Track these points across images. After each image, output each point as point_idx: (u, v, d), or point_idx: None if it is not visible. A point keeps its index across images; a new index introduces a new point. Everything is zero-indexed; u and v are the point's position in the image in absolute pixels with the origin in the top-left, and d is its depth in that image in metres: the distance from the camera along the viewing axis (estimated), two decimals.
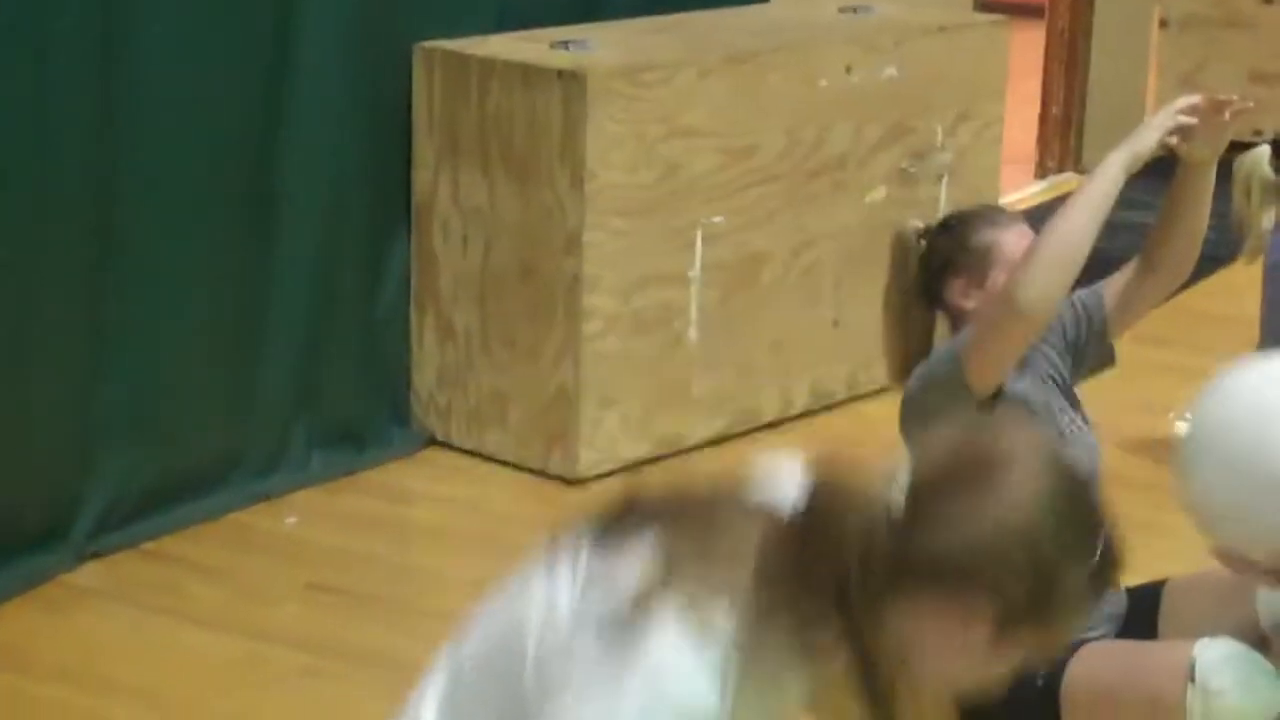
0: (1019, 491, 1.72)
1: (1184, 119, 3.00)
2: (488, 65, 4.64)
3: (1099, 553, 1.74)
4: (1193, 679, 3.20)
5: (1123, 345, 3.29)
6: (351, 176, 4.65)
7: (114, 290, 4.16)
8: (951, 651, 1.72)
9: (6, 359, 3.94)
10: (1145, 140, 2.99)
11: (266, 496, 4.51)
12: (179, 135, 4.21)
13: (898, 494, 1.71)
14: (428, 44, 4.73)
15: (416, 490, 4.67)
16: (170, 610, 3.99)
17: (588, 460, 4.67)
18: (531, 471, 4.72)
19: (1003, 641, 1.72)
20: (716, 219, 4.77)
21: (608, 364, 4.67)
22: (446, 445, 4.87)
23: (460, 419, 4.85)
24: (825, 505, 1.74)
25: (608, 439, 4.70)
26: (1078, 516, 1.75)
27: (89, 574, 4.13)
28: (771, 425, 5.07)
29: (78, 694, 3.64)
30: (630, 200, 4.62)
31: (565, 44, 4.73)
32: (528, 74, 4.57)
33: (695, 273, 4.78)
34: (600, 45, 4.75)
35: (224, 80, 4.30)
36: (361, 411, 4.78)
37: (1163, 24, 7.95)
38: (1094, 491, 1.80)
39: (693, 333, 4.83)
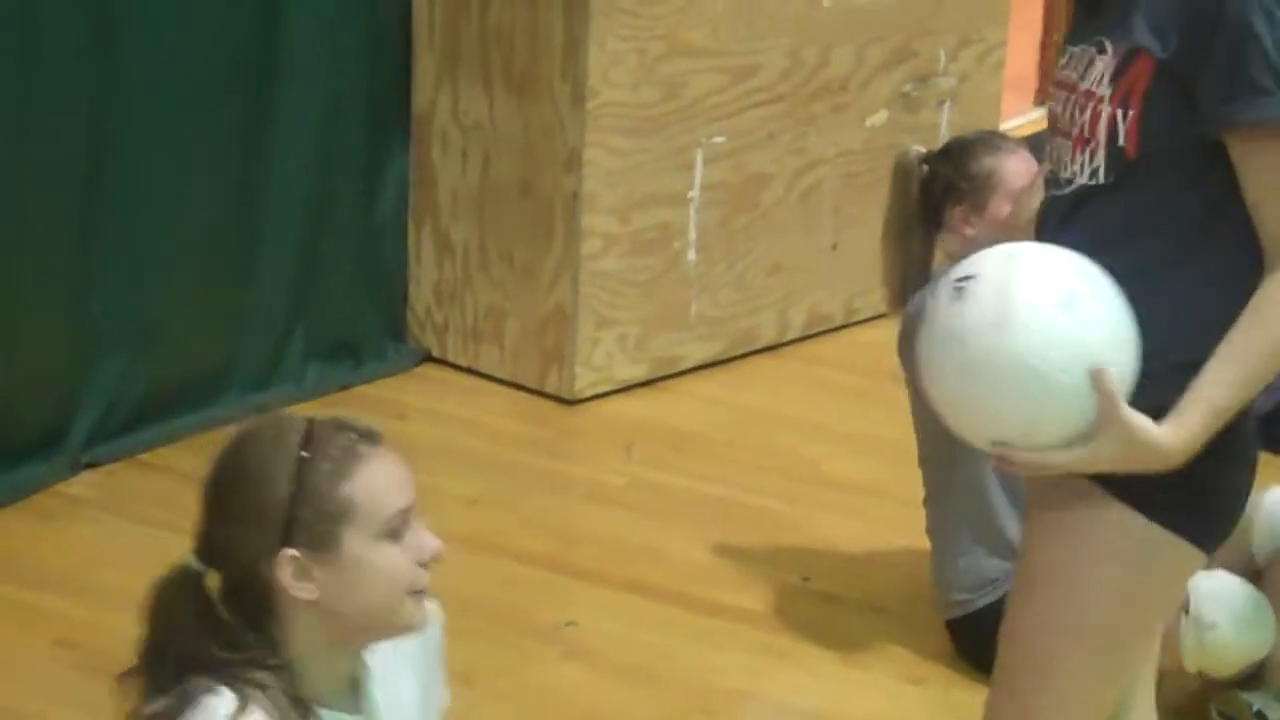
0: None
1: None
2: None
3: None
4: (1186, 612, 3.21)
5: None
6: (349, 89, 4.62)
7: (108, 203, 4.14)
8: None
9: (0, 273, 3.92)
10: None
11: (262, 409, 4.49)
12: (173, 46, 4.18)
13: None
14: None
15: (412, 406, 4.67)
16: (165, 522, 3.98)
17: (584, 380, 4.67)
18: (527, 390, 4.72)
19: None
20: (717, 139, 4.74)
21: (606, 284, 4.66)
22: (442, 362, 4.87)
23: (457, 336, 4.84)
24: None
25: (604, 359, 4.70)
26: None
27: (84, 484, 4.13)
28: (768, 349, 5.07)
29: (72, 603, 3.65)
30: (631, 119, 4.59)
31: None
32: None
33: (695, 194, 4.76)
34: None
35: None
36: (357, 326, 4.78)
37: None
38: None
39: (691, 254, 4.81)
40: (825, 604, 3.78)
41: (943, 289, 2.18)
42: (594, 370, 4.68)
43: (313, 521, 1.96)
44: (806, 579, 3.86)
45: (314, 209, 4.60)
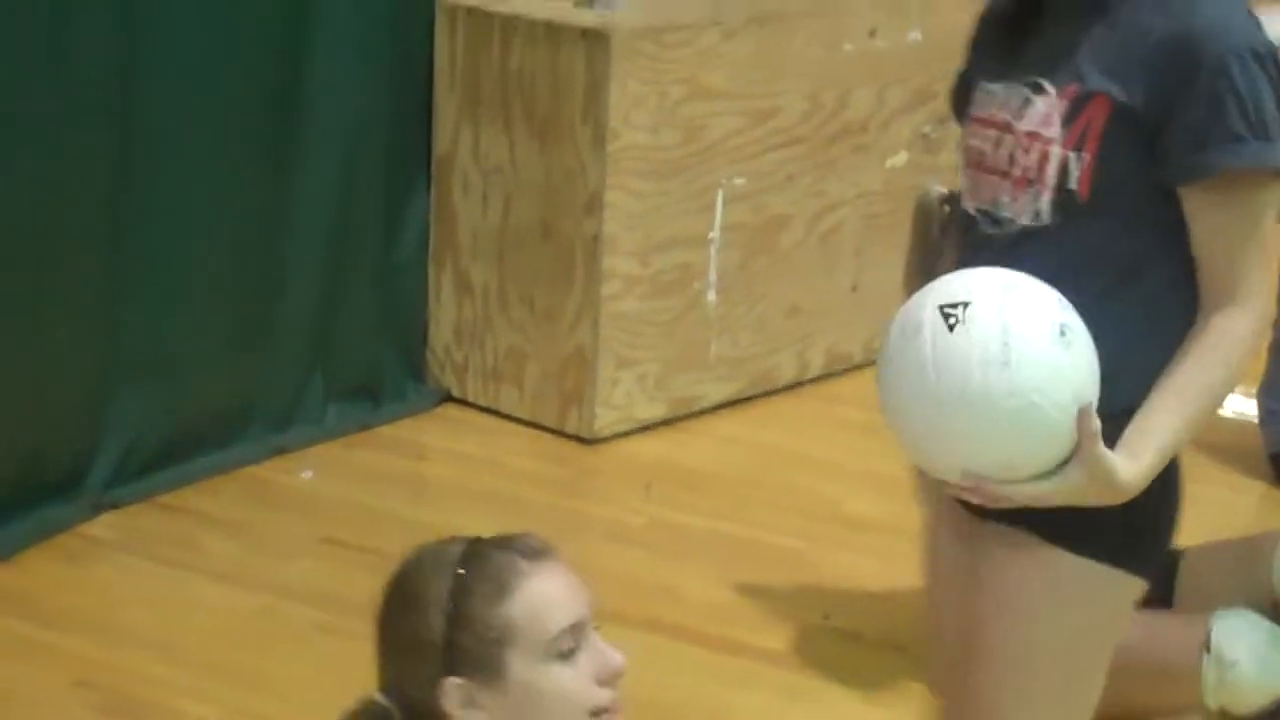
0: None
1: None
2: (511, 22, 4.62)
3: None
4: (1208, 649, 3.21)
5: None
6: (372, 131, 4.64)
7: (131, 244, 4.15)
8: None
9: (24, 310, 3.93)
10: None
11: (282, 450, 4.51)
12: (200, 84, 4.20)
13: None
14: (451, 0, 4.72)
15: (432, 446, 4.67)
16: (185, 563, 4.00)
17: (604, 420, 4.67)
18: (547, 430, 4.72)
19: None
20: (738, 181, 4.76)
21: (626, 325, 4.67)
22: (462, 402, 4.87)
23: (477, 376, 4.85)
24: None
25: (624, 399, 4.70)
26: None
27: (105, 525, 4.14)
28: (788, 389, 5.07)
29: (92, 645, 3.65)
30: (652, 161, 4.60)
31: (590, 2, 4.71)
32: (551, 31, 4.56)
33: (715, 235, 4.77)
34: (624, 4, 4.73)
35: (248, 30, 4.28)
36: (378, 367, 4.78)
37: None
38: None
39: (711, 295, 4.82)
40: (845, 642, 3.77)
41: (923, 317, 2.15)
42: (613, 410, 4.69)
43: (473, 647, 1.88)
44: (826, 617, 3.85)
45: (335, 249, 4.62)
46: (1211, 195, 2.17)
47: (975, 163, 2.30)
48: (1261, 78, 2.16)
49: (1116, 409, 2.15)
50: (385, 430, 4.72)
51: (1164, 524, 2.32)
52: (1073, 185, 2.20)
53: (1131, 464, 2.14)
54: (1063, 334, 2.09)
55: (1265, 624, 3.26)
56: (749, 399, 4.99)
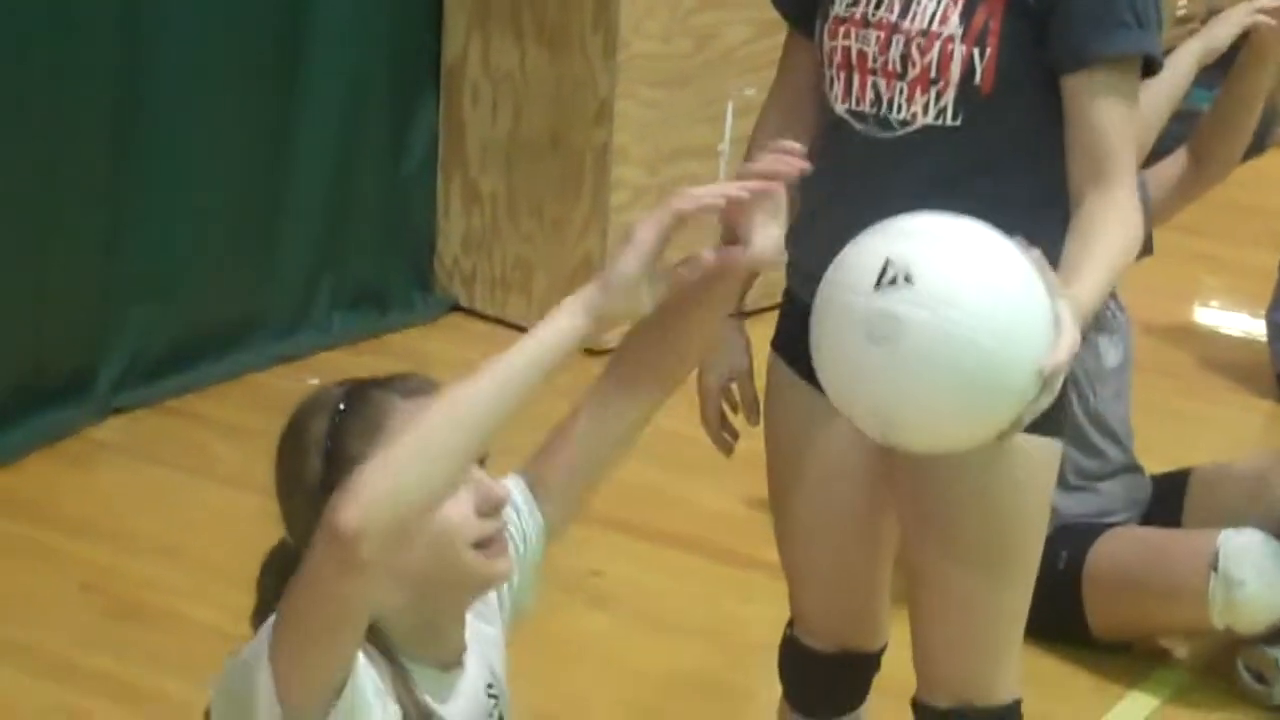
0: None
1: (1263, 19, 2.90)
2: None
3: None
4: (1215, 568, 3.21)
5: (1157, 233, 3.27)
6: (379, 39, 4.61)
7: (138, 148, 4.13)
8: None
9: (31, 215, 3.92)
10: (1220, 34, 2.90)
11: (288, 357, 4.51)
12: None
13: None
14: None
15: (438, 355, 4.66)
16: (191, 468, 4.00)
17: (611, 330, 4.65)
18: None
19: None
20: (748, 91, 4.72)
21: None
22: (470, 312, 4.86)
23: (484, 286, 4.84)
24: None
25: None
26: None
27: (111, 429, 4.14)
28: None
29: (98, 548, 3.66)
30: (662, 70, 4.57)
31: None
32: None
33: (725, 146, 4.75)
34: None
35: None
36: (385, 275, 4.77)
37: None
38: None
39: None
40: None
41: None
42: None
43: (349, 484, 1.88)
44: None
45: (343, 159, 4.60)
46: (1098, 80, 2.21)
47: (851, 64, 2.28)
48: None
49: None
50: (392, 339, 4.71)
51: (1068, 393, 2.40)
52: (977, 81, 2.22)
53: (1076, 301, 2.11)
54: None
55: (1271, 544, 3.26)
56: (759, 311, 4.96)
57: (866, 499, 2.42)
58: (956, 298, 1.94)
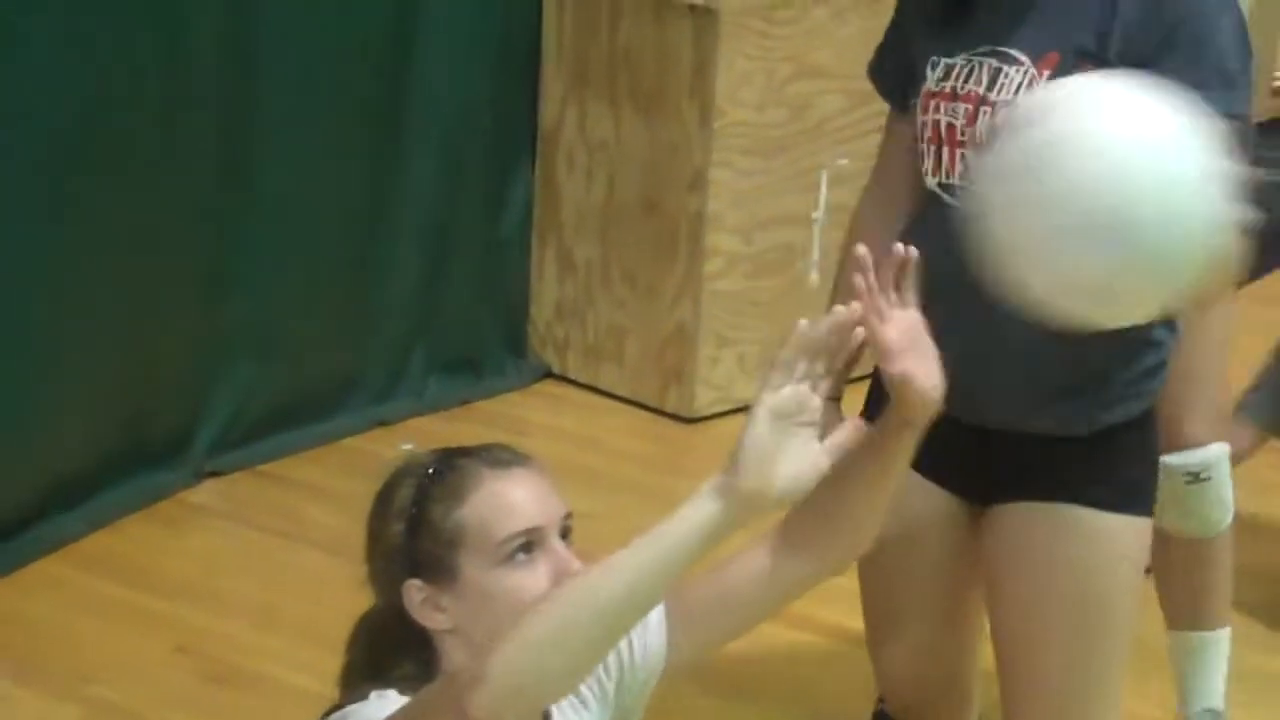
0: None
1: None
2: None
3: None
4: None
5: None
6: (478, 105, 4.64)
7: (240, 213, 4.18)
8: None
9: (135, 278, 3.97)
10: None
11: (382, 422, 4.53)
12: (308, 54, 4.22)
13: None
14: None
15: (531, 422, 4.67)
16: (285, 532, 4.02)
17: (704, 399, 4.66)
18: (647, 409, 4.71)
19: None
20: (842, 161, 4.72)
21: (727, 303, 4.65)
22: (563, 379, 4.87)
23: (577, 353, 4.85)
24: None
25: (725, 378, 4.68)
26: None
27: (207, 492, 4.17)
28: None
29: (192, 610, 3.69)
30: (757, 139, 4.58)
31: None
32: (659, 8, 4.54)
33: (819, 214, 4.74)
34: None
35: (357, 7, 4.31)
36: (479, 341, 4.79)
37: None
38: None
39: (814, 275, 4.79)
40: None
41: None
42: (713, 389, 4.67)
43: (430, 550, 1.91)
44: None
45: (439, 223, 4.63)
46: None
47: (941, 137, 2.28)
48: (1230, 24, 2.21)
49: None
50: (485, 405, 4.73)
51: (1157, 465, 2.41)
52: None
53: None
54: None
55: None
56: (849, 381, 4.95)
57: (954, 572, 2.41)
58: (1101, 119, 1.82)
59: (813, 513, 1.90)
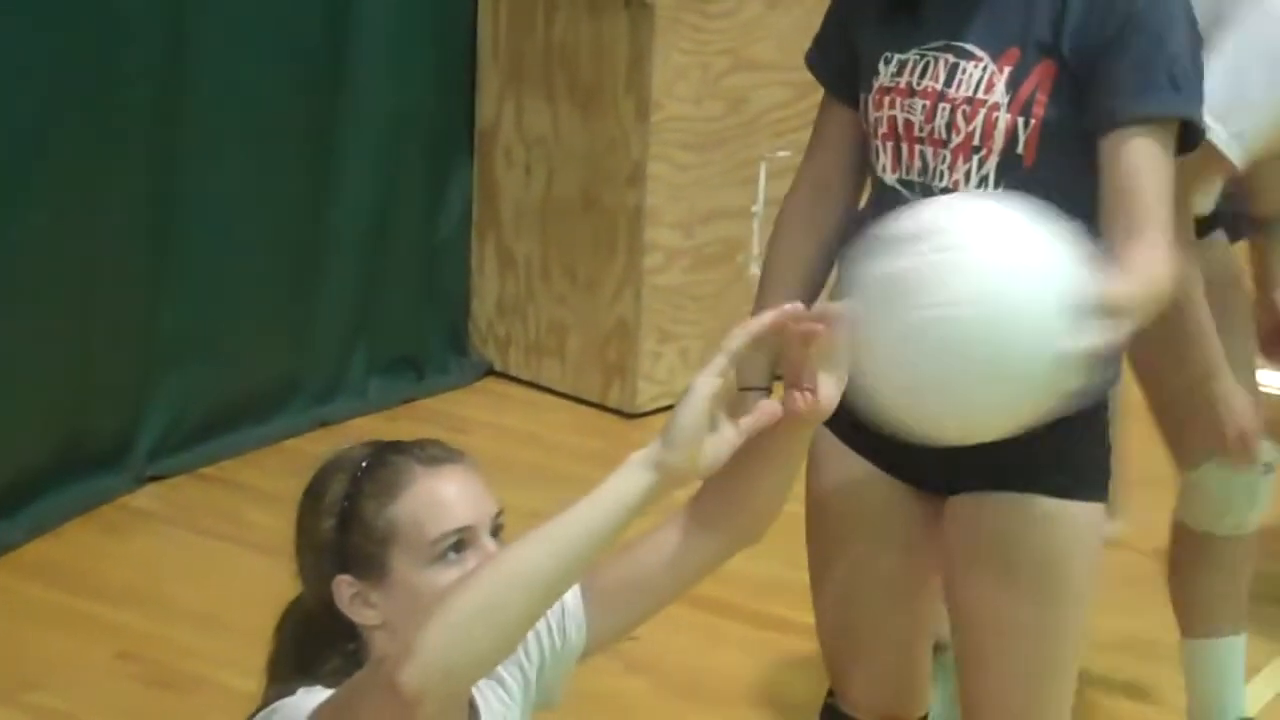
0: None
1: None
2: None
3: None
4: None
5: None
6: (414, 103, 4.63)
7: (176, 215, 4.16)
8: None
9: (71, 283, 3.94)
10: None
11: (324, 423, 4.52)
12: (243, 55, 4.20)
13: None
14: None
15: (474, 420, 4.66)
16: (228, 535, 4.00)
17: (646, 394, 4.66)
18: (589, 404, 4.71)
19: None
20: (782, 153, 4.73)
21: (668, 298, 4.65)
22: (504, 376, 4.86)
23: (519, 349, 4.84)
24: None
25: (666, 373, 4.68)
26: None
27: (148, 496, 4.15)
28: None
29: (137, 616, 3.66)
30: (695, 133, 4.58)
31: None
32: (594, 3, 4.54)
33: (758, 207, 4.75)
34: None
35: (290, 4, 4.28)
36: (420, 340, 4.78)
37: None
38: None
39: (754, 268, 4.79)
40: None
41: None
42: (656, 384, 4.67)
43: (361, 546, 1.90)
44: None
45: (377, 223, 4.61)
46: (1131, 141, 2.19)
47: (898, 133, 2.28)
48: (1183, 25, 2.21)
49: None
50: (427, 403, 4.72)
51: (1110, 453, 2.40)
52: (1019, 150, 2.22)
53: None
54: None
55: None
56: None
57: (908, 567, 2.42)
58: (966, 246, 1.82)
59: (721, 490, 1.93)
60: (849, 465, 2.35)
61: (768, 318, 1.78)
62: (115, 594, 3.75)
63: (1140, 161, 2.20)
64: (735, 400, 1.81)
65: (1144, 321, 2.14)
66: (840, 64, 2.38)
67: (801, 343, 1.80)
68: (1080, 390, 1.87)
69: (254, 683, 3.30)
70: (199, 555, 3.92)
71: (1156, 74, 2.19)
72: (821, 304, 1.84)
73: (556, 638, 2.00)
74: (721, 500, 1.95)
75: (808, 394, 1.81)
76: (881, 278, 1.83)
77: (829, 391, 1.82)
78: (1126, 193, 2.20)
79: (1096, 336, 1.84)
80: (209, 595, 3.74)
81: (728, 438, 1.78)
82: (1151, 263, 2.17)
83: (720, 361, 1.76)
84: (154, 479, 4.19)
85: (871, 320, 1.81)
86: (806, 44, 2.50)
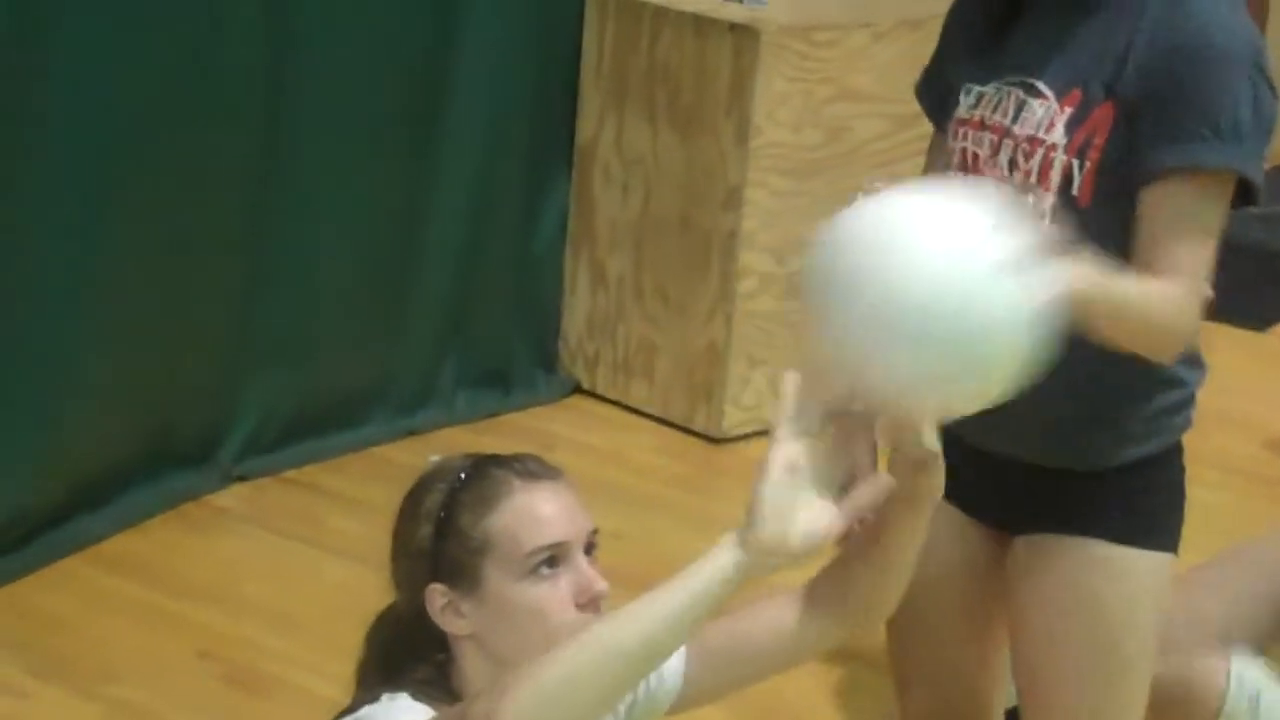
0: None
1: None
2: (660, 13, 4.61)
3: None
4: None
5: None
6: (516, 117, 4.64)
7: (273, 219, 4.18)
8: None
9: (167, 282, 3.98)
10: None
11: (411, 432, 4.53)
12: (345, 64, 4.22)
13: None
14: None
15: (559, 437, 4.67)
16: (310, 539, 4.02)
17: (733, 419, 4.65)
18: (675, 427, 4.70)
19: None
20: (878, 185, 4.70)
21: (759, 323, 4.64)
22: (592, 394, 4.87)
23: (608, 368, 4.85)
24: None
25: (754, 399, 4.67)
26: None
27: (233, 496, 4.17)
28: None
29: (215, 614, 3.69)
30: (793, 160, 4.58)
31: None
32: (700, 25, 4.54)
33: None
34: (775, 1, 4.71)
35: (394, 17, 4.31)
36: (510, 354, 4.79)
37: None
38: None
39: None
40: None
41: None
42: (743, 410, 4.66)
43: (456, 556, 1.92)
44: None
45: (473, 235, 4.63)
46: (1168, 194, 2.17)
47: (969, 166, 2.29)
48: (1238, 78, 2.17)
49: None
50: (514, 418, 4.72)
51: (1182, 501, 2.37)
52: (1074, 191, 2.21)
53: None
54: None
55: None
56: None
57: (976, 598, 2.40)
58: (900, 234, 1.80)
59: (834, 573, 1.88)
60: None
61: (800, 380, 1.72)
62: (197, 592, 3.78)
63: (1170, 209, 2.17)
64: (854, 460, 1.74)
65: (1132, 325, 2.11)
66: (941, 94, 2.39)
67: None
68: (1047, 349, 1.76)
69: (329, 687, 3.33)
70: (280, 557, 3.94)
71: (1195, 125, 2.15)
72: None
73: (653, 684, 1.99)
74: (834, 584, 1.89)
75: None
76: (824, 274, 1.81)
77: (927, 444, 1.77)
78: (1153, 239, 2.17)
79: (1037, 289, 1.73)
80: (289, 598, 3.77)
81: (828, 516, 1.70)
82: (1164, 289, 2.14)
83: (782, 426, 1.70)
84: (239, 479, 4.22)
85: (828, 316, 1.78)
86: (908, 76, 2.52)
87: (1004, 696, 2.54)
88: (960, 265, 1.72)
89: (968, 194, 1.81)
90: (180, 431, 4.10)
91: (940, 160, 2.41)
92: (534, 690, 1.67)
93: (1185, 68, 2.16)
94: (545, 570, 1.90)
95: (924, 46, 4.94)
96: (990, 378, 1.76)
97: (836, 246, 1.84)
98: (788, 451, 1.69)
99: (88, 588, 3.76)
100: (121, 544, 3.93)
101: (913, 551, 1.88)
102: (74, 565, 3.83)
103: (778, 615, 1.91)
